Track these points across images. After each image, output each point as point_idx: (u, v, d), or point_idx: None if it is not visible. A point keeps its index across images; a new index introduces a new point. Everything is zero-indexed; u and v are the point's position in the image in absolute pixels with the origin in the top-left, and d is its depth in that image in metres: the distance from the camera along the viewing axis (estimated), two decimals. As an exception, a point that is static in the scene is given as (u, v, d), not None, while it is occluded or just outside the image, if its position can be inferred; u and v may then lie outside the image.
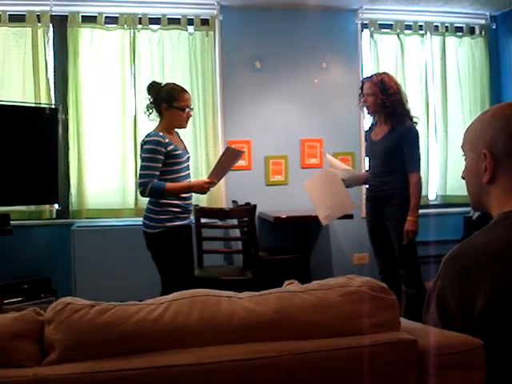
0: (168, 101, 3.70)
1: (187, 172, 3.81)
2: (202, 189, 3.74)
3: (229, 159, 3.81)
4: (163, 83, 3.85)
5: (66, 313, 1.31)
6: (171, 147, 3.64)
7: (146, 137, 3.72)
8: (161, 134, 3.65)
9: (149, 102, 3.80)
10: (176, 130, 3.87)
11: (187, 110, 3.75)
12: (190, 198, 3.80)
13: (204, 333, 1.31)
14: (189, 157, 3.89)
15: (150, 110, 3.80)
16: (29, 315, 1.34)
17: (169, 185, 3.62)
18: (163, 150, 3.60)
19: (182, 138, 3.98)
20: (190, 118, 3.81)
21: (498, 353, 1.35)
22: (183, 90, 3.78)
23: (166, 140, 3.63)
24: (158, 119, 3.80)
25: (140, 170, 3.68)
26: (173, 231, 3.67)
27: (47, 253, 5.11)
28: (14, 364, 1.24)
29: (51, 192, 4.87)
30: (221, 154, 3.91)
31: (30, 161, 4.72)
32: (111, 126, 5.25)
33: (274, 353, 1.29)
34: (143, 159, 3.66)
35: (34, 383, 1.20)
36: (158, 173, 3.60)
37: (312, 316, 1.37)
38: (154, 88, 3.77)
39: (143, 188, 3.59)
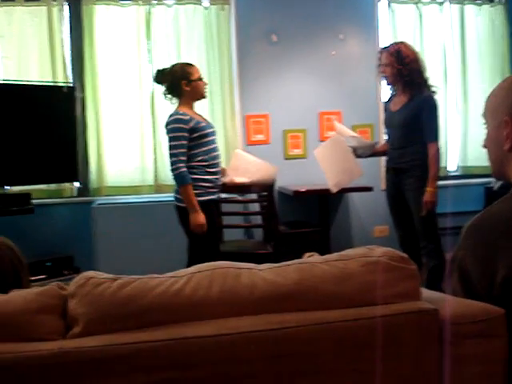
0: (186, 77, 3.81)
1: (215, 145, 3.91)
2: (195, 224, 3.71)
3: None
4: (168, 66, 3.96)
5: (89, 287, 1.33)
6: (193, 122, 3.75)
7: (168, 118, 3.83)
8: (181, 112, 3.77)
9: (165, 89, 3.90)
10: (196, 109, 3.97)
11: (203, 79, 3.92)
12: (218, 173, 3.92)
13: (225, 305, 1.32)
14: (214, 131, 3.98)
15: (169, 95, 3.91)
16: (52, 290, 1.36)
17: (189, 187, 3.71)
18: (186, 126, 3.72)
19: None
20: (207, 91, 3.95)
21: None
22: (191, 64, 3.96)
23: (187, 117, 3.74)
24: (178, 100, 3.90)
25: (168, 150, 3.79)
26: (203, 206, 3.76)
27: (69, 230, 5.16)
28: (39, 338, 1.26)
29: (71, 170, 4.91)
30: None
31: (50, 140, 4.75)
32: (128, 102, 5.25)
33: (294, 323, 1.30)
34: (169, 139, 3.78)
35: (59, 356, 1.22)
36: (184, 150, 3.73)
37: (332, 286, 1.37)
38: (164, 74, 3.90)
39: (173, 168, 3.73)
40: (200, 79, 3.87)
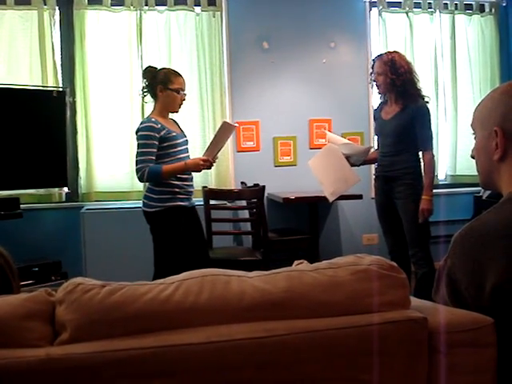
0: (164, 82, 3.79)
1: (186, 154, 3.86)
2: (196, 166, 3.76)
3: (223, 135, 3.86)
4: (158, 68, 3.92)
5: (77, 293, 1.31)
6: (164, 131, 3.72)
7: (139, 124, 3.81)
8: (153, 119, 3.74)
9: (144, 85, 3.89)
10: (174, 117, 3.98)
11: (181, 92, 3.83)
12: (190, 180, 3.86)
13: (214, 312, 1.31)
14: (186, 140, 3.95)
15: (145, 93, 3.91)
16: (40, 296, 1.34)
17: (165, 167, 3.69)
18: (156, 135, 3.69)
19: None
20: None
21: (509, 331, 1.34)
22: (178, 74, 3.88)
23: (159, 125, 3.71)
24: (153, 104, 3.89)
25: (136, 157, 3.74)
26: (171, 211, 3.74)
27: (57, 236, 5.14)
28: (26, 344, 1.25)
29: (60, 175, 4.89)
30: (217, 129, 3.96)
31: (39, 144, 4.74)
32: (119, 107, 5.25)
33: (284, 331, 1.29)
34: (138, 146, 3.74)
35: (46, 363, 1.21)
36: (153, 157, 3.69)
37: (322, 294, 1.36)
38: (149, 72, 3.87)
39: (140, 174, 3.68)
40: (178, 91, 3.80)
